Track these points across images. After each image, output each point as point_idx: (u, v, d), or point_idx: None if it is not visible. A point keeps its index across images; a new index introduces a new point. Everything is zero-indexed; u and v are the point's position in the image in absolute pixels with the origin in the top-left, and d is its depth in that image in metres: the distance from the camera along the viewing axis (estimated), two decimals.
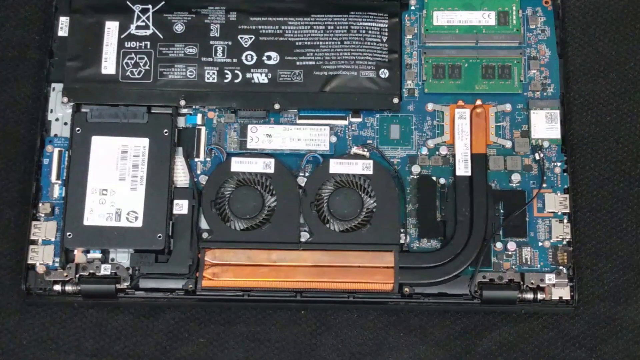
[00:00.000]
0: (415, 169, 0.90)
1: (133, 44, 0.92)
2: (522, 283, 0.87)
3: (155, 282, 0.88)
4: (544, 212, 0.89)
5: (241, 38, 0.93)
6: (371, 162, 0.90)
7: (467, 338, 0.89)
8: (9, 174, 0.92)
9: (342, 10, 0.93)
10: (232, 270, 0.87)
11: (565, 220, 0.89)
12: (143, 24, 0.93)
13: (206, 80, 0.91)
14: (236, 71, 0.92)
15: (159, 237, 0.87)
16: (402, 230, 0.88)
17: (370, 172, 0.89)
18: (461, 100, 0.92)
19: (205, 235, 0.88)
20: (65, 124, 0.91)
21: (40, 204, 0.89)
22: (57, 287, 0.87)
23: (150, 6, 0.93)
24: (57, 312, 0.89)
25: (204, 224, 0.89)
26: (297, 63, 0.92)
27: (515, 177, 0.90)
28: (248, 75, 0.91)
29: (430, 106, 0.92)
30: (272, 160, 0.90)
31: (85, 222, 0.88)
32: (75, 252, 0.88)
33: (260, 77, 0.92)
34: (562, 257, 0.88)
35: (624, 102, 0.94)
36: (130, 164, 0.89)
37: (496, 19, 0.93)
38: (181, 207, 0.89)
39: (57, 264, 0.88)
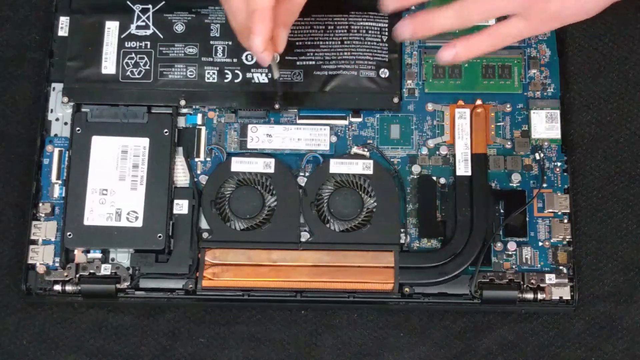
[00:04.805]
0: (416, 168, 0.90)
1: (133, 44, 0.92)
2: (522, 283, 0.87)
3: (155, 282, 0.88)
4: (544, 212, 0.89)
5: None
6: (371, 162, 0.90)
7: (467, 338, 0.89)
8: (9, 174, 0.92)
9: (342, 10, 0.93)
10: (232, 270, 0.87)
11: (565, 220, 0.89)
12: (143, 23, 0.93)
13: (206, 80, 0.92)
14: (236, 71, 0.92)
15: (159, 237, 0.87)
16: (402, 230, 0.88)
17: (370, 172, 0.89)
18: (461, 100, 0.92)
19: (205, 235, 0.88)
20: (66, 124, 0.91)
21: (40, 204, 0.89)
22: (57, 287, 0.87)
23: (150, 6, 0.93)
24: (57, 312, 0.89)
25: (204, 224, 0.89)
26: (297, 63, 0.92)
27: (515, 177, 0.90)
28: (248, 75, 0.91)
29: (430, 106, 0.92)
30: (272, 160, 0.90)
31: (86, 222, 0.88)
32: (76, 252, 0.88)
33: (260, 77, 0.92)
34: (562, 257, 0.88)
35: (624, 102, 0.94)
36: (131, 164, 0.89)
37: (496, 19, 0.93)
38: (181, 207, 0.89)
39: (57, 264, 0.88)
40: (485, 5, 0.83)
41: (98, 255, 0.88)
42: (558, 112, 0.91)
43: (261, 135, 0.91)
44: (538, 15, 0.83)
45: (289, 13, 0.84)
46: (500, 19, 0.84)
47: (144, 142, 0.90)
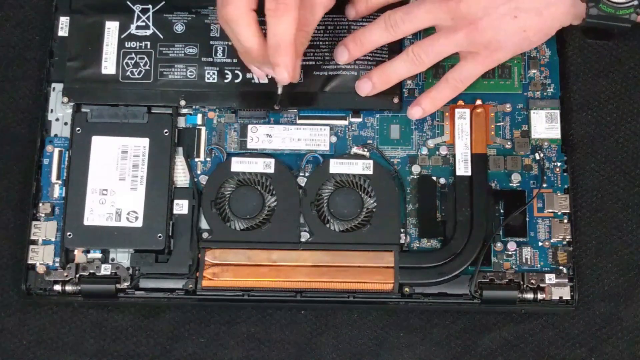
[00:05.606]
0: (415, 169, 0.90)
1: (133, 44, 0.92)
2: (522, 283, 0.87)
3: (155, 282, 0.88)
4: (544, 212, 0.89)
5: None
6: (371, 162, 0.90)
7: (467, 338, 0.89)
8: (9, 174, 0.92)
9: (342, 10, 0.92)
10: (232, 270, 0.87)
11: (565, 220, 0.89)
12: (143, 24, 0.93)
13: (206, 80, 0.92)
14: (236, 71, 0.92)
15: (159, 237, 0.87)
16: (402, 230, 0.88)
17: (370, 172, 0.89)
18: (461, 100, 0.92)
19: (205, 235, 0.88)
20: (66, 124, 0.91)
21: (40, 204, 0.89)
22: (57, 287, 0.87)
23: (150, 6, 0.93)
24: (57, 312, 0.89)
25: (204, 224, 0.89)
26: None
27: (515, 177, 0.90)
28: (248, 75, 0.91)
29: None
30: (272, 160, 0.90)
31: (86, 222, 0.88)
32: (76, 252, 0.88)
33: None
34: (562, 257, 0.88)
35: (624, 102, 0.94)
36: (130, 164, 0.89)
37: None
38: (181, 207, 0.89)
39: (57, 264, 0.88)
40: (408, 16, 0.87)
41: (98, 255, 0.88)
42: (558, 112, 0.91)
43: (261, 135, 0.91)
44: (481, 48, 0.86)
45: (301, 44, 0.86)
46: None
47: (144, 142, 0.90)
